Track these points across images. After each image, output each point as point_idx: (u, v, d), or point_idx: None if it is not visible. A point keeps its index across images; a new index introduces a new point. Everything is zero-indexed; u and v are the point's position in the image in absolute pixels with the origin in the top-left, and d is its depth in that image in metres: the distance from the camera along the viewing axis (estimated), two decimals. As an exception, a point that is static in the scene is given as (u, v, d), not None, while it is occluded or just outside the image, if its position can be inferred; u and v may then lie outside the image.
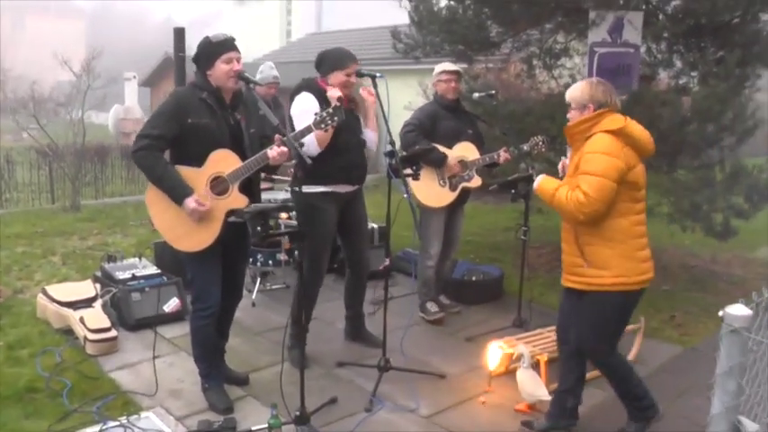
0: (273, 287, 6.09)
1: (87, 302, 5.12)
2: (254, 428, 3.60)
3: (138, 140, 3.62)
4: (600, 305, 3.41)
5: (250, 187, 3.76)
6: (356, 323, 4.94)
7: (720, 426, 1.63)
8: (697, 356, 4.87)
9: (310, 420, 3.62)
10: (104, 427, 3.64)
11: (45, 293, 5.30)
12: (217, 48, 3.62)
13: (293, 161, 3.94)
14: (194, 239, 3.66)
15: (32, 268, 6.73)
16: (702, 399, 4.05)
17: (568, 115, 3.43)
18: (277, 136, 3.62)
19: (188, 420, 3.77)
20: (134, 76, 20.03)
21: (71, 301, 5.10)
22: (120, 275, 5.43)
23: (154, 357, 4.27)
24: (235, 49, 3.66)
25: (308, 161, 3.44)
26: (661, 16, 6.63)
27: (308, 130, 3.67)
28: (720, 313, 1.64)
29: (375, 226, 6.89)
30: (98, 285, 5.44)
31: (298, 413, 3.59)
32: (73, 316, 4.91)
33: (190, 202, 3.55)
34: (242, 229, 3.84)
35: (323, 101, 4.21)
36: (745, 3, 5.77)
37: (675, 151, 6.47)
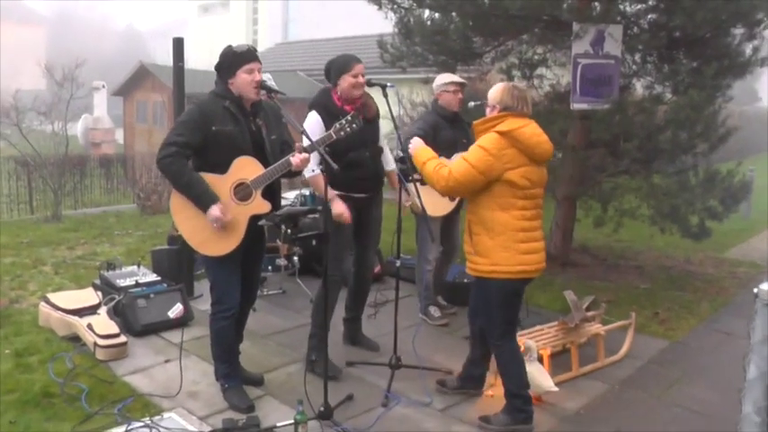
0: (270, 293, 6.22)
1: (92, 309, 5.19)
2: (279, 424, 3.75)
3: (164, 148, 3.74)
4: (484, 290, 3.81)
5: (272, 192, 3.91)
6: (354, 327, 5.07)
7: (756, 389, 1.87)
8: (683, 349, 5.19)
9: (333, 415, 3.80)
10: (129, 428, 3.74)
11: (47, 301, 5.34)
12: (239, 58, 3.77)
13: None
14: (219, 244, 3.81)
15: (25, 278, 6.74)
16: (692, 388, 4.39)
17: (486, 110, 3.84)
18: (297, 143, 3.79)
19: (211, 419, 3.90)
20: (103, 86, 19.87)
21: (76, 308, 5.16)
22: (122, 283, 5.51)
23: (180, 357, 4.40)
24: (256, 59, 3.82)
25: (335, 166, 3.61)
26: (636, 29, 6.97)
27: (328, 138, 3.83)
28: (755, 290, 1.89)
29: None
30: (99, 293, 5.51)
31: (322, 408, 3.77)
32: (80, 323, 4.98)
33: (214, 210, 3.69)
34: (259, 234, 4.00)
35: (328, 115, 4.31)
36: (718, 18, 6.12)
37: (651, 157, 6.82)
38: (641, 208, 6.74)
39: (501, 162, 3.56)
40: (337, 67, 4.47)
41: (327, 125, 4.14)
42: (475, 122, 3.82)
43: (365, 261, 4.83)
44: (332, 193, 4.13)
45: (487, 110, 3.79)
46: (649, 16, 6.85)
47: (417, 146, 3.96)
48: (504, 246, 3.63)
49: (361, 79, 4.43)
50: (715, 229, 6.91)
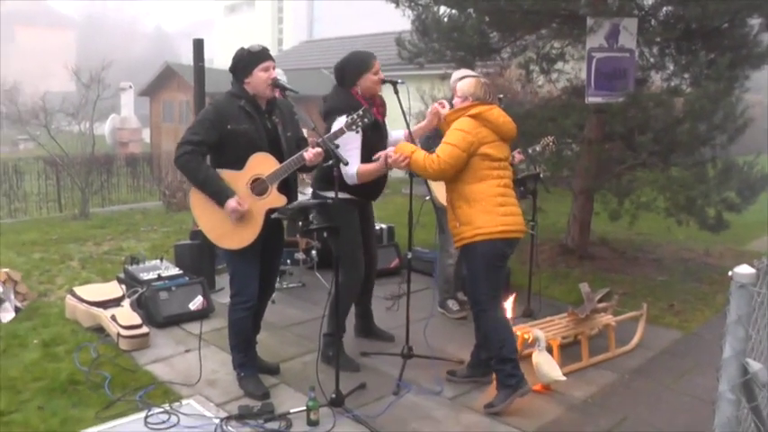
0: (290, 285, 6.35)
1: (116, 302, 5.36)
2: (292, 411, 3.86)
3: (181, 147, 3.88)
4: (471, 256, 4.05)
5: (288, 187, 4.02)
6: (366, 320, 5.14)
7: (731, 367, 1.94)
8: (697, 341, 5.20)
9: (344, 402, 3.91)
10: (150, 413, 3.88)
11: (74, 294, 5.53)
12: (254, 58, 3.89)
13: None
14: (237, 238, 3.93)
15: (53, 273, 6.95)
16: (704, 378, 4.41)
17: (453, 101, 4.22)
18: (311, 138, 3.89)
19: (227, 406, 4.02)
20: (130, 86, 20.20)
21: (100, 300, 5.34)
22: (145, 276, 5.67)
23: (200, 347, 4.54)
24: (271, 58, 3.94)
25: (345, 161, 3.71)
26: (653, 22, 6.97)
27: (340, 132, 3.93)
28: (730, 273, 1.96)
29: (384, 226, 7.20)
30: (123, 286, 5.68)
31: (334, 396, 3.88)
32: (104, 314, 5.14)
33: (231, 203, 3.83)
34: (278, 228, 4.12)
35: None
36: (733, 9, 6.11)
37: (669, 150, 6.82)
38: (657, 200, 6.75)
39: (477, 138, 3.94)
40: (355, 66, 4.42)
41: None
42: (447, 113, 4.20)
43: (371, 259, 4.85)
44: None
45: (457, 101, 4.14)
46: (665, 8, 6.84)
47: (398, 146, 4.16)
48: (484, 210, 3.94)
49: (381, 75, 4.44)
50: (735, 222, 6.89)
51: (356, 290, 4.65)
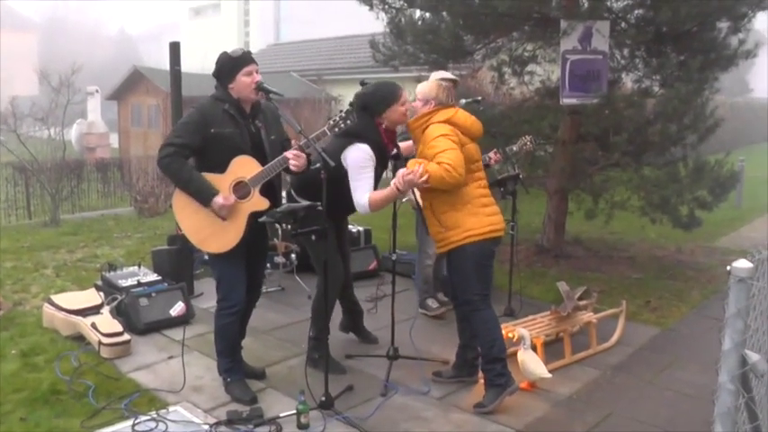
0: (269, 290, 6.33)
1: (95, 309, 5.28)
2: (282, 415, 3.86)
3: (163, 149, 3.88)
4: (460, 259, 4.04)
5: (272, 190, 4.02)
6: (354, 316, 5.15)
7: (731, 358, 2.01)
8: (674, 336, 5.32)
9: (334, 405, 3.92)
10: (137, 422, 3.84)
11: (51, 303, 5.44)
12: (237, 62, 3.89)
13: None
14: (220, 241, 3.93)
15: (27, 281, 6.84)
16: (683, 372, 4.52)
17: (413, 104, 4.20)
18: (294, 141, 3.91)
19: (215, 412, 4.00)
20: (96, 90, 19.90)
21: (79, 308, 5.26)
22: (124, 283, 5.61)
23: (183, 353, 4.49)
24: (253, 61, 3.94)
25: (332, 163, 3.73)
26: (624, 25, 7.11)
27: (322, 134, 3.94)
28: (728, 267, 2.03)
29: (360, 229, 7.23)
30: (101, 294, 5.62)
31: (323, 398, 3.89)
32: (84, 323, 5.08)
33: (218, 199, 3.83)
34: (262, 232, 4.12)
35: (377, 150, 4.22)
36: (703, 12, 6.25)
37: (641, 150, 6.96)
38: (632, 199, 6.89)
39: (458, 138, 3.97)
40: (382, 98, 4.25)
41: (378, 160, 4.20)
42: (410, 121, 4.16)
43: (343, 250, 4.79)
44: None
45: (418, 104, 4.12)
46: (636, 12, 6.99)
47: (409, 163, 4.00)
48: (471, 212, 3.97)
49: (408, 105, 4.26)
50: (706, 219, 7.05)
51: (337, 292, 4.67)
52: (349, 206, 4.28)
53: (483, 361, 4.09)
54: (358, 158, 4.14)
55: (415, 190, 4.65)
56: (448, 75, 5.53)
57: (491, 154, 5.52)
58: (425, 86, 4.15)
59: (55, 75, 11.30)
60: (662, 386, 4.40)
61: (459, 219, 3.97)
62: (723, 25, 6.81)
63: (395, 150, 4.37)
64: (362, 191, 4.08)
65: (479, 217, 3.98)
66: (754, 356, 2.01)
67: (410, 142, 4.61)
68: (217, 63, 3.97)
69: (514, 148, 5.60)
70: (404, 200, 4.86)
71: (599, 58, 6.59)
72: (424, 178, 3.77)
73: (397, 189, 3.88)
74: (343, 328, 5.18)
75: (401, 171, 3.85)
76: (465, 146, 4.01)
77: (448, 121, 4.00)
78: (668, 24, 6.39)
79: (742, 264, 2.00)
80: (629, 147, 6.82)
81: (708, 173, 6.55)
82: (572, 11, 6.57)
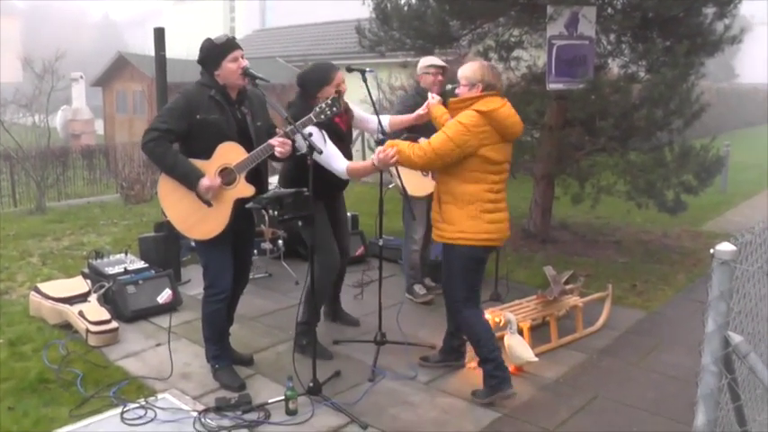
0: (256, 276, 6.33)
1: (82, 297, 5.27)
2: (270, 401, 3.88)
3: (148, 134, 3.85)
4: (449, 255, 3.99)
5: (258, 176, 4.02)
6: (334, 304, 5.22)
7: (714, 340, 2.04)
8: (660, 319, 5.37)
9: (322, 391, 3.94)
10: (125, 409, 3.84)
11: (38, 291, 5.41)
12: (222, 48, 3.86)
13: None
14: (206, 228, 3.92)
15: (12, 270, 6.79)
16: (669, 355, 4.56)
17: (457, 90, 3.94)
18: (279, 129, 3.89)
19: (204, 399, 4.01)
20: (81, 77, 19.74)
21: (66, 296, 5.24)
22: (111, 270, 5.60)
23: (170, 341, 4.46)
24: (238, 47, 3.91)
25: (319, 150, 3.72)
26: (611, 10, 7.11)
27: (309, 121, 3.92)
28: (712, 251, 2.05)
29: (348, 215, 7.22)
30: (88, 281, 5.60)
31: (311, 384, 3.91)
32: (71, 311, 5.06)
33: (204, 181, 3.81)
34: (249, 218, 4.11)
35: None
36: (689, -2, 6.28)
37: (628, 135, 6.99)
38: (618, 184, 6.93)
39: (477, 138, 3.72)
40: (316, 79, 4.40)
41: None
42: (452, 100, 3.96)
43: (343, 249, 4.84)
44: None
45: (463, 88, 3.87)
46: (622, -3, 6.99)
47: (386, 144, 3.99)
48: (471, 215, 3.82)
49: (343, 87, 4.38)
50: (692, 204, 7.11)
51: (330, 279, 4.66)
52: (334, 182, 4.33)
53: (479, 359, 4.05)
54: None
55: (402, 176, 4.66)
56: (437, 61, 5.52)
57: None
58: (468, 69, 3.87)
59: (39, 61, 11.20)
60: (648, 369, 4.44)
61: (457, 216, 3.85)
62: (709, 11, 6.82)
63: (380, 137, 4.33)
64: (336, 158, 4.13)
65: (477, 221, 3.82)
66: (736, 338, 2.03)
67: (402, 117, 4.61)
68: (201, 50, 3.94)
69: None
70: (390, 185, 4.86)
71: (585, 44, 6.60)
72: (393, 159, 3.81)
73: (374, 165, 3.95)
74: (325, 316, 5.19)
75: (379, 148, 3.90)
76: (488, 145, 3.74)
77: (487, 114, 3.73)
78: (654, 10, 6.40)
79: (725, 247, 2.02)
80: (615, 132, 6.85)
81: (693, 158, 6.59)
82: (558, -5, 6.57)
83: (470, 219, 3.82)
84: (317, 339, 4.32)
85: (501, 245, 4.01)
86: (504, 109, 3.80)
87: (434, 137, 3.82)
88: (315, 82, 4.39)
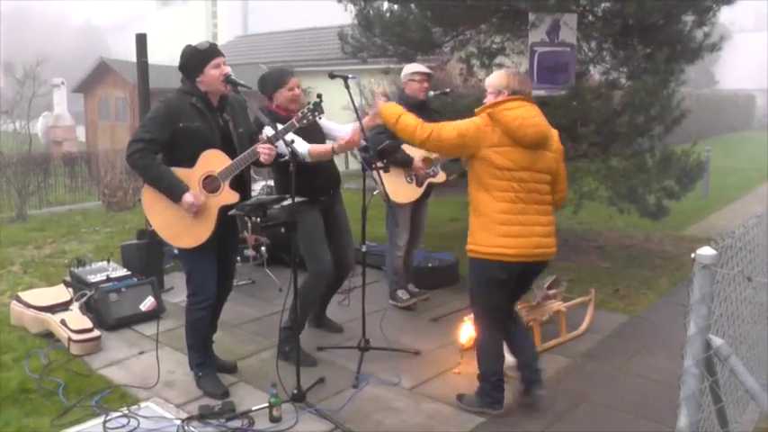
0: (240, 283, 6.30)
1: (64, 306, 5.22)
2: (254, 408, 3.86)
3: (132, 145, 3.83)
4: (469, 267, 3.83)
5: (242, 183, 4.01)
6: (319, 311, 5.20)
7: (696, 343, 2.06)
8: (643, 323, 5.41)
9: (306, 398, 3.93)
10: (108, 418, 3.81)
11: (19, 300, 5.36)
12: (205, 55, 3.86)
13: None
14: (191, 236, 3.90)
15: (-7, 279, 6.74)
16: (652, 358, 4.60)
17: (485, 100, 3.79)
18: (260, 135, 3.90)
19: (187, 407, 3.98)
20: (62, 83, 19.59)
21: (48, 305, 5.19)
22: (93, 278, 5.55)
23: (157, 348, 4.43)
24: (221, 54, 3.92)
25: (302, 156, 3.72)
26: (591, 18, 7.18)
27: (291, 126, 3.94)
28: (693, 255, 2.07)
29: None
30: (70, 290, 5.55)
31: (295, 391, 3.89)
32: (53, 319, 5.02)
33: (187, 197, 3.79)
34: (232, 224, 4.10)
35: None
36: (668, 6, 6.34)
37: (609, 141, 7.05)
38: (600, 190, 6.98)
39: (477, 139, 3.60)
40: (272, 81, 4.56)
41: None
42: (478, 109, 3.77)
43: (342, 259, 4.79)
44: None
45: (489, 96, 3.75)
46: (603, 4, 7.06)
47: (386, 105, 4.00)
48: (483, 226, 3.64)
49: (297, 91, 4.53)
50: (674, 209, 7.18)
51: (319, 288, 4.63)
52: (324, 180, 4.44)
53: (479, 373, 3.96)
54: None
55: (385, 182, 4.67)
56: (422, 68, 5.54)
57: None
58: (494, 77, 3.77)
59: (19, 66, 11.13)
60: (631, 372, 4.47)
61: (474, 226, 3.70)
62: (688, 19, 6.91)
63: (363, 143, 4.36)
64: (299, 143, 4.19)
65: (489, 234, 3.61)
66: (717, 341, 2.06)
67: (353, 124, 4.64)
68: (182, 56, 3.93)
69: None
70: (374, 192, 4.87)
71: (567, 51, 6.66)
72: (370, 114, 3.89)
73: (333, 150, 4.16)
74: (309, 322, 5.15)
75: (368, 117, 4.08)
76: (493, 147, 3.57)
77: (493, 114, 3.59)
78: (635, 17, 6.47)
79: (706, 251, 2.04)
80: (596, 138, 6.90)
81: (675, 163, 6.66)
82: (540, 3, 6.61)
83: (484, 230, 3.64)
84: (301, 346, 4.31)
85: (526, 261, 3.66)
86: (515, 111, 3.58)
87: (443, 123, 3.75)
88: (270, 85, 4.55)
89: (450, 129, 3.68)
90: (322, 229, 4.59)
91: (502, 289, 3.77)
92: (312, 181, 4.36)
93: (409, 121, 3.80)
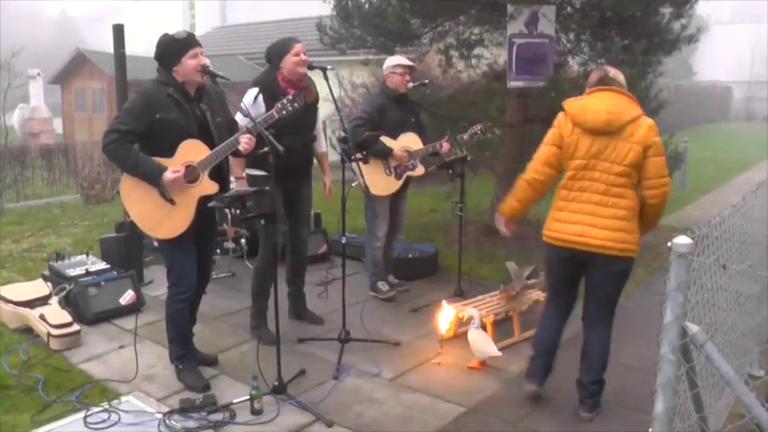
0: (219, 276, 6.29)
1: (43, 300, 5.18)
2: (235, 401, 3.87)
3: (107, 135, 3.79)
4: None
5: (220, 174, 4.00)
6: (298, 302, 5.23)
7: (672, 330, 2.10)
8: (620, 312, 5.33)
9: (287, 390, 3.94)
10: (89, 413, 3.79)
11: (-3, 295, 5.33)
12: (182, 45, 3.82)
13: None
14: (170, 227, 3.88)
15: (-30, 274, 6.67)
16: (630, 346, 4.65)
17: None
18: (241, 126, 3.89)
19: (168, 400, 3.98)
20: (38, 74, 19.33)
21: (27, 300, 5.14)
22: (72, 272, 5.51)
23: (135, 342, 4.44)
24: (198, 44, 3.88)
25: (280, 147, 3.72)
26: (570, 9, 7.22)
27: (270, 117, 3.93)
28: (669, 244, 2.11)
29: (312, 212, 7.22)
30: (49, 284, 5.51)
31: (276, 383, 3.91)
32: (31, 314, 4.97)
33: (168, 175, 3.75)
34: (211, 215, 4.09)
35: (270, 95, 4.47)
36: (646, -2, 6.40)
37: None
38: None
39: (559, 135, 3.65)
40: (278, 49, 4.64)
41: (268, 104, 4.31)
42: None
43: (298, 235, 5.06)
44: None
45: None
46: (581, -4, 7.10)
47: (501, 208, 4.10)
48: (552, 208, 3.80)
49: (303, 57, 4.59)
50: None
51: (271, 270, 4.52)
52: (293, 163, 4.46)
53: None
54: (246, 99, 4.53)
55: (365, 174, 4.69)
56: (404, 61, 5.55)
57: (443, 142, 5.58)
58: (592, 75, 3.83)
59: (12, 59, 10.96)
60: (610, 361, 4.50)
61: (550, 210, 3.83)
62: (666, 11, 6.96)
63: (342, 134, 4.40)
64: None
65: (551, 218, 3.77)
66: (694, 328, 2.09)
67: None
68: (159, 46, 3.89)
69: (465, 137, 5.67)
70: (353, 184, 4.88)
71: (545, 42, 6.68)
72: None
73: None
74: (291, 315, 5.23)
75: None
76: (567, 138, 3.61)
77: (563, 105, 3.69)
78: (612, 9, 6.51)
79: (682, 240, 2.08)
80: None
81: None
82: (519, -6, 6.64)
83: (551, 212, 3.80)
84: (267, 325, 4.31)
85: (574, 248, 3.67)
86: (585, 100, 3.62)
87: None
88: (275, 55, 4.65)
89: (539, 148, 3.76)
90: (279, 212, 4.60)
91: (556, 271, 3.95)
92: (283, 160, 4.17)
93: (517, 183, 3.89)
